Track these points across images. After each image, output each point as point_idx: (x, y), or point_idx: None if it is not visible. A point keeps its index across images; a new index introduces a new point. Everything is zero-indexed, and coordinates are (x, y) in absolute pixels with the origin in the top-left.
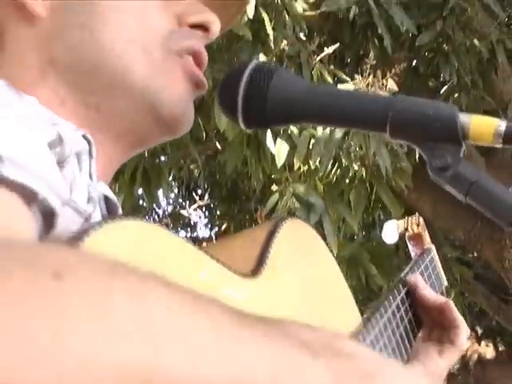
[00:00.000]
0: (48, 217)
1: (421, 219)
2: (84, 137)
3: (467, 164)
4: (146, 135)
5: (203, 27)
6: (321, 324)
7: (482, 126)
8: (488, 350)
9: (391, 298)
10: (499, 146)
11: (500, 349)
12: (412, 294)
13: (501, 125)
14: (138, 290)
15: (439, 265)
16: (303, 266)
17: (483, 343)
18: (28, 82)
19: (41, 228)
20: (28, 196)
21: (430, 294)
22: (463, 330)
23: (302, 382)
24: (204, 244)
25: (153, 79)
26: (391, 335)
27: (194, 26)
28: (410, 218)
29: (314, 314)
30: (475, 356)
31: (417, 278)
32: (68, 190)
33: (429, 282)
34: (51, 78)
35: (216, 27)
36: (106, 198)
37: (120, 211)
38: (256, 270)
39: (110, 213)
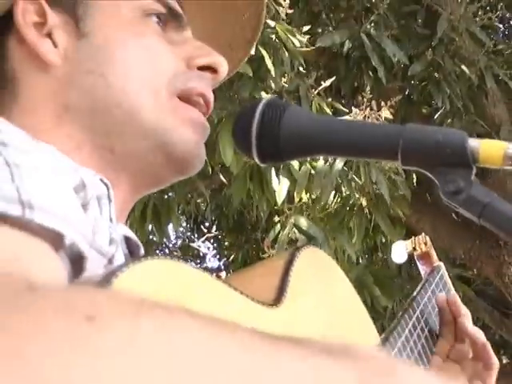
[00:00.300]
0: (78, 260)
1: (427, 238)
2: (102, 181)
3: (479, 187)
4: (158, 174)
5: (211, 69)
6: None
7: (492, 150)
8: None
9: (407, 317)
10: (510, 167)
11: (504, 361)
12: (425, 312)
13: (510, 147)
14: (165, 324)
15: (449, 281)
16: (322, 292)
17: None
18: (43, 129)
19: (71, 271)
20: (59, 241)
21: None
22: (495, 371)
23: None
24: (214, 274)
25: (162, 120)
26: (410, 353)
27: (203, 68)
28: (417, 238)
29: (337, 338)
30: None
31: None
32: (92, 232)
33: None
34: (66, 124)
35: (224, 69)
36: (127, 239)
37: (142, 250)
38: (278, 299)
39: (131, 253)
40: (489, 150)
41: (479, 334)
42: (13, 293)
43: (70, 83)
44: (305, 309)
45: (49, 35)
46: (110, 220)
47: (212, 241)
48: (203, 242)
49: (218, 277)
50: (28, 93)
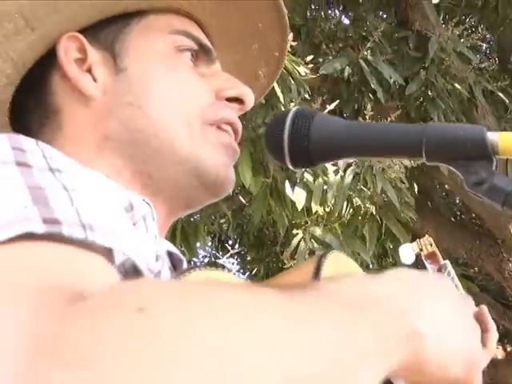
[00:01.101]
0: (135, 277)
1: (431, 239)
2: (144, 201)
3: (501, 176)
4: (193, 197)
5: (239, 100)
6: None
7: (510, 141)
8: (498, 352)
9: None
10: None
11: (508, 349)
12: None
13: None
14: (210, 303)
15: (456, 277)
16: None
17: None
18: (86, 157)
19: None
20: (114, 259)
21: None
22: (494, 335)
23: (354, 340)
24: None
25: (195, 147)
26: None
27: (231, 99)
28: (421, 240)
29: None
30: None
31: None
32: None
33: None
34: (107, 153)
35: (250, 99)
36: (169, 254)
37: (185, 263)
38: None
39: (174, 267)
40: (507, 141)
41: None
42: (66, 302)
43: (110, 115)
44: None
45: (89, 71)
46: (155, 237)
47: (236, 257)
48: (228, 258)
49: None
50: (71, 124)
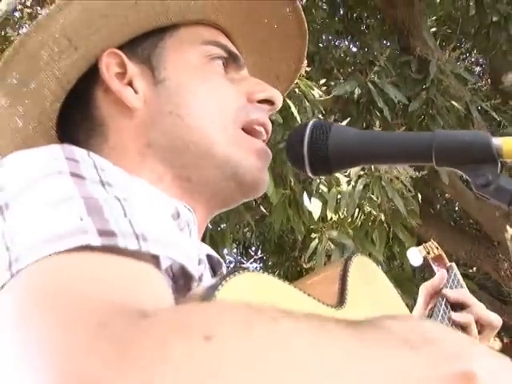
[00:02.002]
0: (184, 281)
1: (436, 243)
2: (186, 207)
3: (506, 178)
4: (230, 198)
5: (269, 102)
6: None
7: None
8: (496, 344)
9: (437, 310)
10: None
11: (505, 340)
12: (448, 305)
13: None
14: (277, 333)
15: (461, 278)
16: (373, 293)
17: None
18: (131, 165)
19: (178, 294)
20: (161, 265)
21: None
22: (480, 305)
23: (408, 375)
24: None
25: (232, 152)
26: None
27: (261, 101)
28: (428, 244)
29: None
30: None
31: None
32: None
33: None
34: (150, 160)
35: (279, 100)
36: (208, 256)
37: (224, 266)
38: (341, 302)
39: (213, 268)
40: (510, 145)
41: (488, 315)
42: (128, 320)
43: (151, 124)
44: (364, 309)
45: (129, 84)
46: (197, 242)
47: (258, 261)
48: (251, 263)
49: None
50: (116, 135)
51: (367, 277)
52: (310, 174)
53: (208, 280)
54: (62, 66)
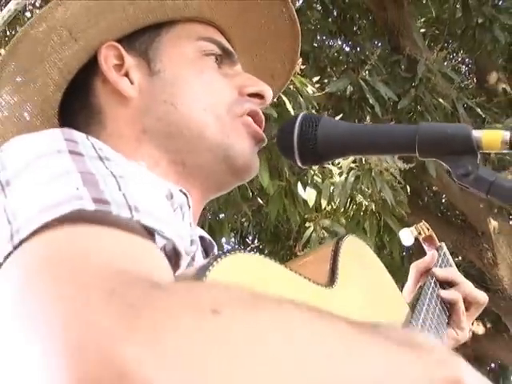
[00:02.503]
0: (175, 258)
1: (427, 224)
2: (181, 191)
3: (484, 168)
4: (222, 181)
5: (259, 95)
6: (384, 317)
7: (492, 137)
8: (479, 328)
9: (426, 288)
10: (506, 151)
11: (488, 326)
12: (437, 284)
13: (506, 134)
14: (281, 318)
15: (450, 257)
16: (364, 273)
17: (475, 323)
18: (127, 150)
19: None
20: (162, 240)
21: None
22: (468, 284)
23: (405, 375)
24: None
25: (224, 136)
26: (433, 316)
27: (252, 95)
28: (419, 225)
29: (378, 310)
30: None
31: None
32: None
33: None
34: (146, 145)
35: (269, 94)
36: (201, 238)
37: (216, 248)
38: (332, 281)
39: (206, 250)
40: (489, 137)
41: (475, 293)
42: (141, 291)
43: (146, 112)
44: (355, 288)
45: (126, 75)
46: (190, 224)
47: (255, 250)
48: (248, 251)
49: None
50: (113, 122)
51: (358, 257)
52: (299, 164)
53: (200, 260)
54: (64, 56)
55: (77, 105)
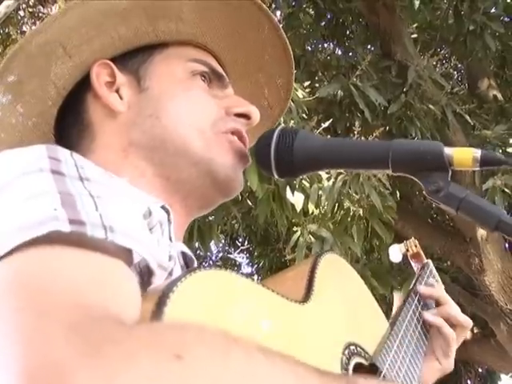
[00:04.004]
0: (147, 276)
1: (416, 241)
2: (163, 208)
3: (455, 185)
4: (206, 196)
5: (246, 116)
6: (359, 333)
7: (463, 155)
8: (467, 334)
9: (408, 305)
10: (477, 169)
11: (475, 331)
12: (420, 300)
13: (476, 152)
14: (248, 369)
15: (437, 274)
16: (342, 289)
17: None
18: (115, 161)
19: (140, 285)
20: (132, 259)
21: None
22: (454, 306)
23: None
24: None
25: (208, 151)
26: (411, 338)
27: (239, 115)
28: (408, 242)
29: (354, 326)
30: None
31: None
32: (156, 251)
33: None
34: (132, 156)
35: (256, 116)
36: (183, 254)
37: (195, 263)
38: (306, 297)
39: (187, 265)
40: (460, 155)
41: (459, 317)
42: (102, 328)
43: (133, 125)
44: (329, 303)
45: (117, 91)
46: (170, 239)
47: (245, 252)
48: (238, 253)
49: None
50: (102, 134)
51: (337, 273)
52: (276, 177)
53: (177, 274)
54: (59, 72)
55: (70, 119)
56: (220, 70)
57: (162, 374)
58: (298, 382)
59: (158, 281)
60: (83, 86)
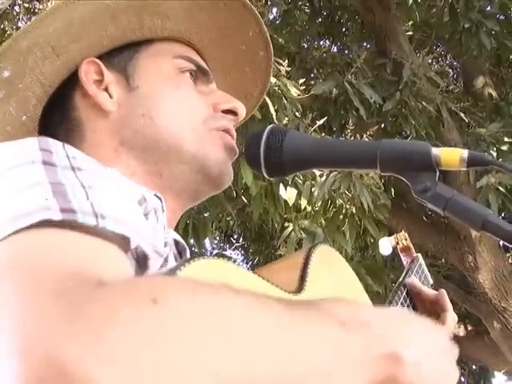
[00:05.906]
0: (143, 260)
1: (406, 235)
2: (156, 196)
3: (442, 185)
4: (198, 190)
5: (232, 112)
6: None
7: (450, 155)
8: (460, 330)
9: (396, 298)
10: (464, 169)
11: (469, 328)
12: (411, 294)
13: (464, 152)
14: (219, 303)
15: (426, 268)
16: (334, 281)
17: (456, 326)
18: (106, 161)
19: (137, 270)
20: (126, 244)
21: (426, 289)
22: (452, 314)
23: (340, 355)
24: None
25: (200, 148)
26: None
27: (226, 112)
28: (398, 235)
29: None
30: (452, 335)
31: (414, 280)
32: (152, 237)
33: (420, 282)
34: (123, 156)
35: (242, 111)
36: (176, 242)
37: (188, 251)
38: (300, 288)
39: (180, 253)
40: (448, 155)
41: (432, 291)
42: (86, 288)
43: (125, 125)
44: (322, 294)
45: (106, 89)
46: (164, 227)
47: (240, 249)
48: (233, 250)
49: None
50: (92, 134)
51: (329, 265)
52: (266, 176)
53: (172, 262)
54: (46, 71)
55: (57, 117)
56: (205, 65)
57: (143, 319)
58: (267, 312)
59: (154, 265)
60: (70, 83)
